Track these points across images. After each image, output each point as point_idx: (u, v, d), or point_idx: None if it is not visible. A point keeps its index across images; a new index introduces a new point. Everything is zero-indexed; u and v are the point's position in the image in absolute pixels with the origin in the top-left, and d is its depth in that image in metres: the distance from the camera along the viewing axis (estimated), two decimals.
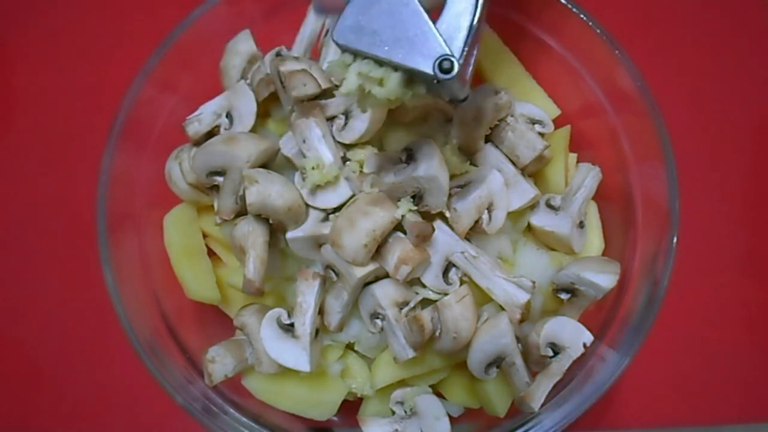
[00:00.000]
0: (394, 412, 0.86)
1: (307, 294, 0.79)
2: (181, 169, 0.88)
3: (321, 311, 0.81)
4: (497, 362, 0.79)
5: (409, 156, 0.78)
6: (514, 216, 0.86)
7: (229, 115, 0.88)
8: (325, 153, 0.80)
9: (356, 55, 0.63)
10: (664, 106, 0.83)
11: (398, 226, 0.77)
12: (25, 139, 1.16)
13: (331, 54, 0.86)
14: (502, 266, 0.82)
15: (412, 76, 0.63)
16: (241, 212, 0.81)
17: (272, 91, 0.87)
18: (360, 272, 0.76)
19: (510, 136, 0.85)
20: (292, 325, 0.79)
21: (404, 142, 0.82)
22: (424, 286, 0.80)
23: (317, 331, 0.80)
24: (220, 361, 0.80)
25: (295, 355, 0.78)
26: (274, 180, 0.77)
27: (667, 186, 0.81)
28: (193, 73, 0.93)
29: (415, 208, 0.77)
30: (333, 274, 0.79)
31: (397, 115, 0.85)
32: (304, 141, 0.80)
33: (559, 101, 0.95)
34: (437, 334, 0.77)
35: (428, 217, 0.79)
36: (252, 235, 0.78)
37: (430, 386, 0.86)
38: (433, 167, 0.75)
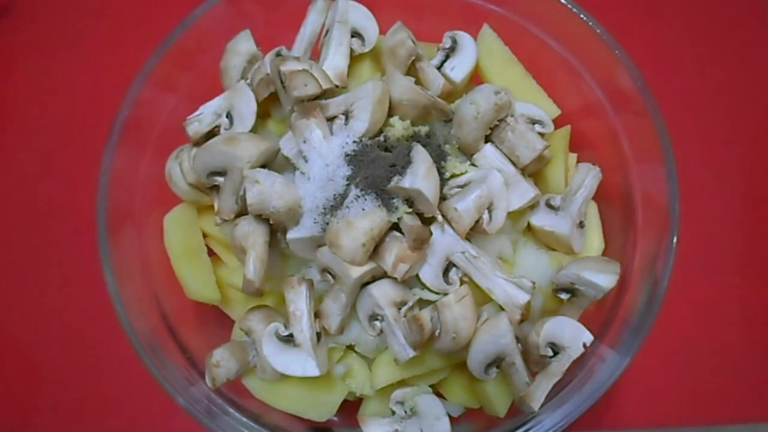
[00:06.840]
0: (394, 412, 0.86)
1: (297, 301, 0.78)
2: (181, 169, 0.88)
3: (320, 315, 0.81)
4: (497, 362, 0.79)
5: None
6: (514, 216, 0.86)
7: (229, 115, 0.88)
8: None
9: None
10: (664, 106, 0.83)
11: (395, 225, 0.77)
12: (25, 139, 1.16)
13: (331, 54, 0.86)
14: (502, 266, 0.81)
15: None
16: (242, 212, 0.81)
17: (272, 91, 0.86)
18: (356, 272, 0.76)
19: (510, 136, 0.85)
20: (291, 335, 0.78)
21: None
22: (422, 285, 0.80)
23: (319, 334, 0.80)
24: (224, 365, 0.79)
25: (301, 363, 0.77)
26: (275, 180, 0.77)
27: (667, 186, 0.82)
28: (193, 73, 0.94)
29: (410, 210, 0.77)
30: (330, 278, 0.79)
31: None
32: (304, 141, 0.80)
33: (559, 101, 0.95)
34: (437, 333, 0.77)
35: (426, 218, 0.79)
36: (252, 235, 0.78)
37: (430, 386, 0.86)
38: (417, 180, 0.74)
